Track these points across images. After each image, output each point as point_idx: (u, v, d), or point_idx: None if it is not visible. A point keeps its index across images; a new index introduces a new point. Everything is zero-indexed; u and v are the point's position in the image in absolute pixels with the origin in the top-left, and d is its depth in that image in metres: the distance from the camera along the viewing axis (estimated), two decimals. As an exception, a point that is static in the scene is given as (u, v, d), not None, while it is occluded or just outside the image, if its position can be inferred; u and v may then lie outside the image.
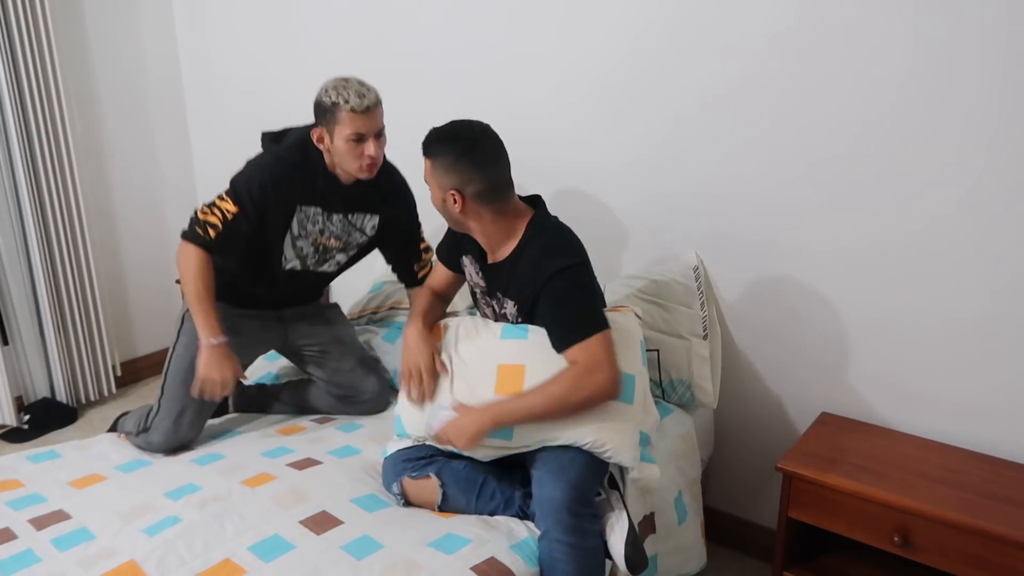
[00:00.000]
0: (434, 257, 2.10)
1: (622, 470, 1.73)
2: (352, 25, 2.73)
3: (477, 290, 1.87)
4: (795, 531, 1.85)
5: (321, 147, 1.97)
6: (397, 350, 2.26)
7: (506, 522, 1.66)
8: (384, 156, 2.02)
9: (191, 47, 3.33)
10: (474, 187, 1.64)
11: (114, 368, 3.30)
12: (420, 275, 2.21)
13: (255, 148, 3.22)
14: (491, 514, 1.69)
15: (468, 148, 1.64)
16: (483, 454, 1.70)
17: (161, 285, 3.48)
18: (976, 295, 1.74)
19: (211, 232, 1.97)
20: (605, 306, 1.76)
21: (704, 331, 2.00)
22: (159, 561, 1.50)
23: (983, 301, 1.73)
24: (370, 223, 2.13)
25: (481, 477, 1.72)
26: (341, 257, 2.18)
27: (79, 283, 3.06)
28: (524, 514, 1.70)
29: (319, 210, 2.04)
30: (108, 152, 3.23)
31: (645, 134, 2.14)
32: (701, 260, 2.01)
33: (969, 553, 1.57)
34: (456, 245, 1.86)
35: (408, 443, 1.82)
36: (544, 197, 1.78)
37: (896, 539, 1.64)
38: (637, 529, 1.63)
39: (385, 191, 2.11)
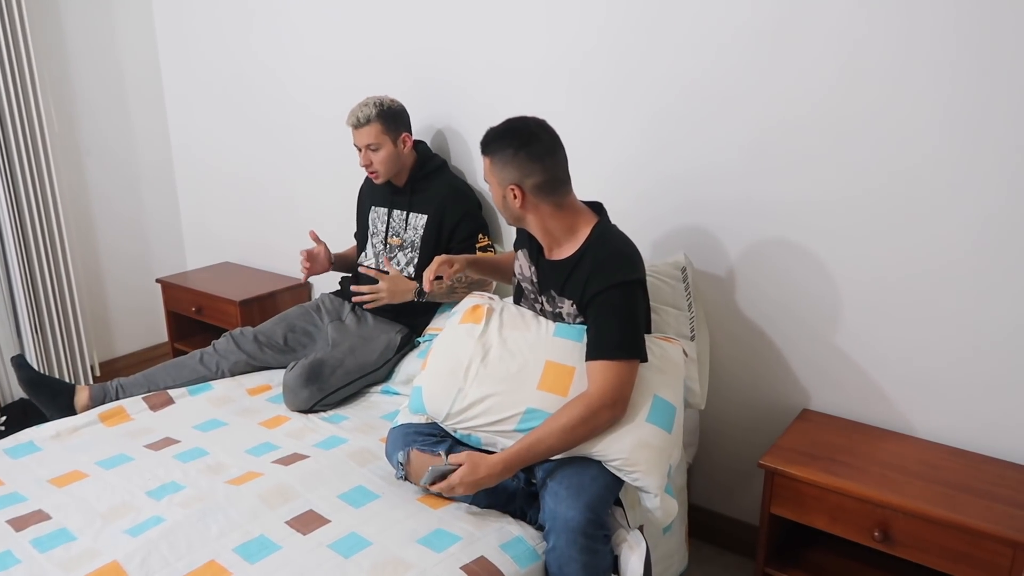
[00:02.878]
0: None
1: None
2: (335, 20, 2.71)
3: (526, 285, 1.87)
4: (777, 527, 1.87)
5: None
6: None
7: (497, 518, 1.66)
8: (439, 163, 2.40)
9: (170, 41, 3.30)
10: (533, 180, 1.66)
11: (93, 368, 3.26)
12: None
13: (236, 143, 3.22)
14: (490, 507, 1.69)
15: (526, 141, 1.66)
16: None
17: (141, 284, 3.44)
18: (951, 291, 1.77)
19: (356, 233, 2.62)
20: (650, 329, 1.79)
21: (692, 332, 2.01)
22: (142, 562, 1.48)
23: (959, 298, 1.76)
24: (420, 221, 2.35)
25: None
26: (401, 256, 2.38)
27: (57, 282, 3.02)
28: (523, 513, 1.70)
29: (385, 210, 2.43)
30: (86, 149, 3.19)
31: (627, 134, 2.15)
32: (689, 261, 2.03)
33: (948, 547, 1.60)
34: (522, 239, 1.88)
35: (420, 419, 1.81)
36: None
37: (876, 534, 1.66)
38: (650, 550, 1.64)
39: (435, 193, 2.35)
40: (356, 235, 2.64)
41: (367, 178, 2.53)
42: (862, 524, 1.69)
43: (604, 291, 1.63)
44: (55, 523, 1.63)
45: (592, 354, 1.63)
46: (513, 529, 1.63)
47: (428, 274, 1.89)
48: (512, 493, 1.70)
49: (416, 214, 2.37)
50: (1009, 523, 1.54)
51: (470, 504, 1.70)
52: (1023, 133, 1.60)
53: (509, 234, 2.46)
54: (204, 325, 3.17)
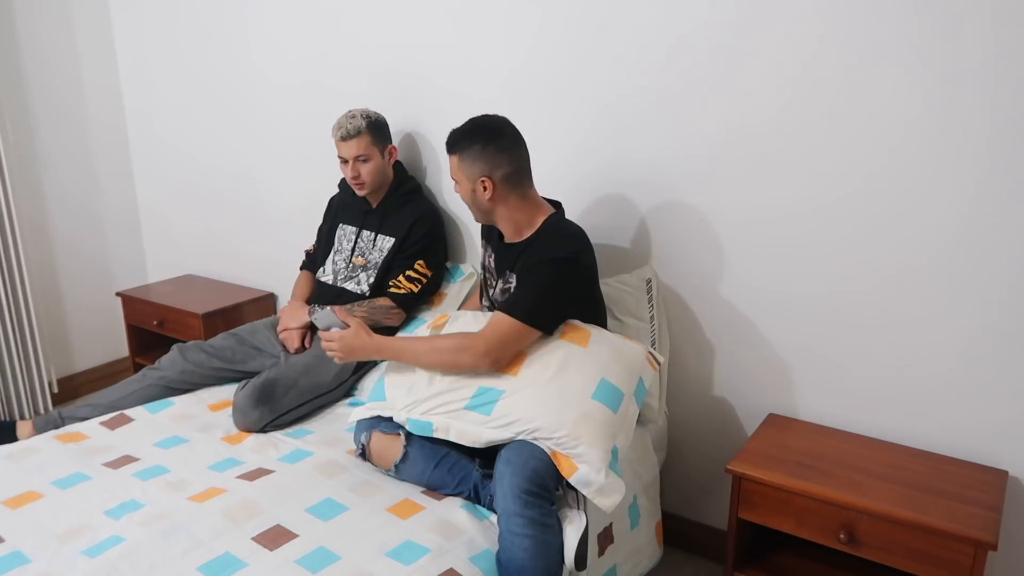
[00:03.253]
0: (417, 293, 2.30)
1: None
2: (293, 30, 2.69)
3: (488, 275, 2.00)
4: (746, 531, 1.88)
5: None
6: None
7: (468, 528, 1.65)
8: (413, 186, 2.39)
9: (129, 47, 3.24)
10: (502, 171, 1.79)
11: (50, 384, 3.17)
12: (390, 290, 2.30)
13: (199, 153, 3.17)
14: (443, 487, 1.76)
15: (493, 135, 1.80)
16: (467, 440, 1.72)
17: (100, 299, 3.36)
18: (913, 296, 1.80)
19: (310, 249, 2.60)
20: (604, 317, 1.87)
21: (652, 345, 2.03)
22: (102, 584, 1.44)
23: (921, 303, 1.80)
24: (388, 244, 2.34)
25: (444, 451, 1.78)
26: (363, 276, 2.37)
27: (12, 297, 2.93)
28: (476, 496, 1.74)
29: (354, 229, 2.41)
30: (42, 162, 3.11)
31: (593, 142, 2.16)
32: (655, 273, 2.04)
33: (912, 548, 1.62)
34: (485, 232, 2.01)
35: (381, 409, 1.85)
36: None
37: (842, 536, 1.68)
38: (589, 532, 1.68)
39: (406, 218, 2.33)
40: (311, 251, 2.60)
41: (339, 193, 2.52)
42: (828, 526, 1.71)
43: (536, 264, 1.76)
44: (8, 546, 1.57)
45: (501, 307, 1.77)
46: (481, 541, 1.62)
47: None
48: (467, 474, 1.76)
49: (384, 236, 2.35)
50: (971, 522, 1.57)
51: (424, 486, 1.77)
52: (989, 138, 1.64)
53: (473, 249, 2.46)
54: (166, 339, 3.11)
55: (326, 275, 2.45)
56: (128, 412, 2.19)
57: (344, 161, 2.30)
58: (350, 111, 2.31)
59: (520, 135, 1.84)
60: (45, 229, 3.17)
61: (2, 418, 2.96)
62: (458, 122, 1.86)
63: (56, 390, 3.21)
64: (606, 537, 1.83)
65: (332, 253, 2.46)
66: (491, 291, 1.98)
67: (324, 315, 1.96)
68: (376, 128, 2.30)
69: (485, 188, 1.79)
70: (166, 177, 3.35)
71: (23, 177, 3.05)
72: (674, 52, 1.96)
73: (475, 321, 1.86)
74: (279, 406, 2.13)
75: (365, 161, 2.28)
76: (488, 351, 1.71)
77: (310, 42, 2.68)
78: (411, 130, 2.54)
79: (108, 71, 3.27)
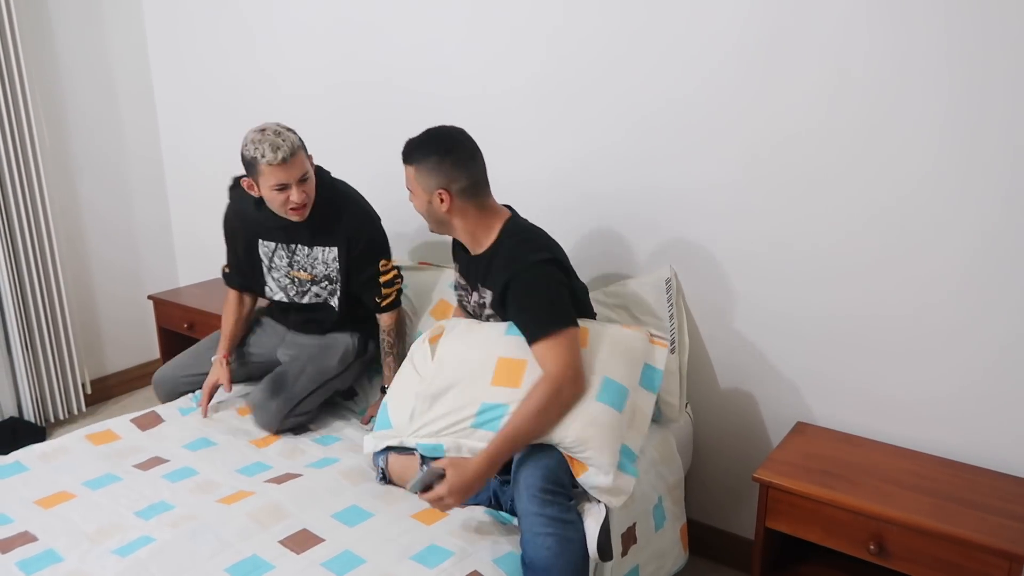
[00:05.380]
0: (401, 287, 2.25)
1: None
2: (324, 33, 2.72)
3: (462, 291, 1.98)
4: (773, 541, 1.86)
5: (254, 194, 2.08)
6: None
7: (491, 531, 1.65)
8: (339, 187, 2.19)
9: (163, 54, 3.30)
10: (459, 184, 1.77)
11: (84, 386, 3.24)
12: (382, 304, 2.22)
13: (230, 158, 3.21)
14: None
15: (450, 148, 1.77)
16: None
17: (133, 301, 3.42)
18: (943, 305, 1.77)
19: (226, 268, 2.39)
20: (591, 308, 1.86)
21: (672, 344, 2.01)
22: (131, 584, 1.47)
23: (951, 312, 1.77)
24: (330, 255, 2.18)
25: None
26: (318, 290, 2.24)
27: (47, 299, 3.00)
28: (497, 502, 1.74)
29: (278, 244, 2.21)
30: (77, 165, 3.18)
31: (615, 143, 2.16)
32: (675, 273, 2.03)
33: (943, 559, 1.59)
34: (456, 247, 1.96)
35: (389, 438, 1.84)
36: (520, 208, 1.82)
37: (872, 547, 1.66)
38: (612, 531, 1.68)
39: (342, 223, 2.15)
40: (230, 274, 2.38)
41: (233, 209, 2.29)
42: (857, 537, 1.68)
43: (517, 276, 1.73)
44: (41, 544, 1.61)
45: (534, 337, 1.69)
46: (505, 544, 1.62)
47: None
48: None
49: (323, 248, 2.17)
50: (1003, 534, 1.54)
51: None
52: (1017, 147, 1.62)
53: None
54: (196, 342, 3.15)
55: (276, 294, 2.29)
56: (159, 412, 2.23)
57: (282, 188, 1.98)
58: (273, 130, 1.98)
59: (476, 146, 1.81)
60: (80, 233, 3.23)
61: (38, 420, 3.02)
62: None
63: (89, 391, 3.27)
64: (629, 537, 1.82)
65: (267, 271, 2.26)
66: (468, 306, 1.96)
67: (417, 480, 1.62)
68: (301, 139, 2.05)
69: (442, 200, 1.76)
70: (197, 181, 3.40)
71: (59, 183, 3.11)
72: (703, 68, 1.95)
73: (469, 330, 1.86)
74: (293, 393, 2.14)
75: (306, 180, 2.02)
76: (576, 373, 1.65)
77: (331, 55, 2.71)
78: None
79: (142, 78, 3.33)
